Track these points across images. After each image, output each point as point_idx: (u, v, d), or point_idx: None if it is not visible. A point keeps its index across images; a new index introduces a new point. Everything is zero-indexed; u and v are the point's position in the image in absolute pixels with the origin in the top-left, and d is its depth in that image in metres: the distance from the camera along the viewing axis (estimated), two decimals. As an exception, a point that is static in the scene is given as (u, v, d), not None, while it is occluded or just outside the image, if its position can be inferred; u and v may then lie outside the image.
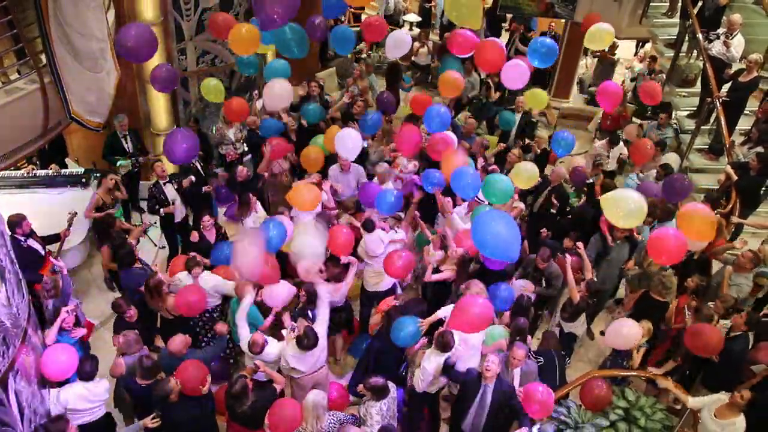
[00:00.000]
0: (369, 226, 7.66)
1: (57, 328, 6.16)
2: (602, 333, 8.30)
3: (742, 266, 7.50)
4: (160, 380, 5.64)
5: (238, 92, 10.81)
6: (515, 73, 7.70)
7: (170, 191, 8.54)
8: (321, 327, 6.41)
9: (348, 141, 7.90)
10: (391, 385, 5.99)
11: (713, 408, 5.99)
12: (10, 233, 6.80)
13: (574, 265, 7.52)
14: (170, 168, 9.12)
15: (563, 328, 7.16)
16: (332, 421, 5.75)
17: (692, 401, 6.20)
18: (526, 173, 7.70)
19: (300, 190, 7.40)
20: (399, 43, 8.15)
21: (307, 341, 6.06)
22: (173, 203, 8.51)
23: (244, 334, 6.39)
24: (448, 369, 6.11)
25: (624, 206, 5.91)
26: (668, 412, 6.39)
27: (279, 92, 7.92)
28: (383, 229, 7.82)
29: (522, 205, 8.70)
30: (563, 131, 8.54)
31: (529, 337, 6.69)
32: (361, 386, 5.91)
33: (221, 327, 6.63)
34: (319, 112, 9.38)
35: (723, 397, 6.00)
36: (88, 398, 5.74)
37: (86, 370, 5.72)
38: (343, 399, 6.84)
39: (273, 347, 6.39)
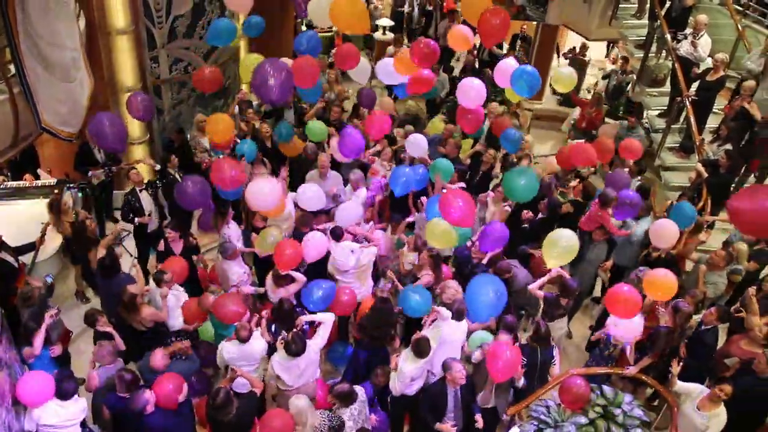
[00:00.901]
0: (337, 233, 7.56)
1: (42, 337, 6.09)
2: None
3: (716, 264, 7.64)
4: (135, 392, 5.58)
5: (212, 98, 10.77)
6: (472, 92, 7.56)
7: (146, 199, 8.46)
8: (315, 343, 6.39)
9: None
10: (359, 389, 6.03)
11: (696, 401, 6.15)
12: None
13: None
14: (146, 175, 9.06)
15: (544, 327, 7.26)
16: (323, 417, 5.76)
17: (679, 385, 6.35)
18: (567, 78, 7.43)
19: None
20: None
21: (294, 347, 6.03)
22: (149, 214, 8.44)
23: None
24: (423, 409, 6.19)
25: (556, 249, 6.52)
26: (645, 408, 6.47)
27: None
28: (356, 240, 7.82)
29: (508, 207, 8.74)
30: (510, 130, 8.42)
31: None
32: (329, 396, 5.93)
33: (184, 344, 6.54)
34: (290, 129, 9.32)
35: (705, 388, 6.19)
36: (63, 416, 5.63)
37: (64, 389, 5.61)
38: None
39: (259, 341, 6.42)
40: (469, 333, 6.94)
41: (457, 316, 6.60)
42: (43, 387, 5.48)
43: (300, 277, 7.01)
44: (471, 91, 7.46)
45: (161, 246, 7.83)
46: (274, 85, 6.22)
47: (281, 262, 6.83)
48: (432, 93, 12.35)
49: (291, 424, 5.45)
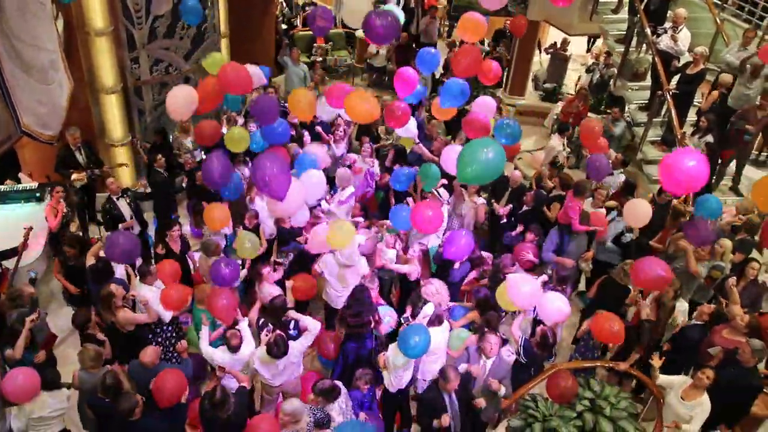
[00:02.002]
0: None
1: (23, 341, 6.05)
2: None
3: (701, 257, 7.71)
4: (126, 395, 5.55)
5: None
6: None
7: (124, 206, 8.41)
8: (297, 346, 6.39)
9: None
10: (339, 383, 6.05)
11: (680, 391, 6.22)
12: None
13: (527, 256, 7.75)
14: (127, 180, 9.01)
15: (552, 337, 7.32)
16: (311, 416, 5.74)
17: (661, 378, 6.44)
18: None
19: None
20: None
21: (276, 350, 6.02)
22: (131, 218, 8.39)
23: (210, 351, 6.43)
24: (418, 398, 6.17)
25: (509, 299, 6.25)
26: (632, 400, 6.53)
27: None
28: None
29: (483, 201, 8.78)
30: (505, 119, 8.18)
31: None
32: (311, 395, 5.92)
33: (181, 346, 6.53)
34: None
35: (688, 379, 6.24)
36: (52, 406, 5.69)
37: (49, 378, 5.72)
38: None
39: (248, 346, 6.42)
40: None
41: (436, 321, 6.62)
42: (30, 381, 5.50)
43: (313, 326, 6.73)
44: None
45: (161, 249, 7.77)
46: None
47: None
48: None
49: (277, 429, 5.44)
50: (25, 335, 6.06)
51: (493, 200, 9.02)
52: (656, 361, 6.52)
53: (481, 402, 6.15)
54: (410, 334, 5.85)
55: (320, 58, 15.07)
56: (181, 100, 6.53)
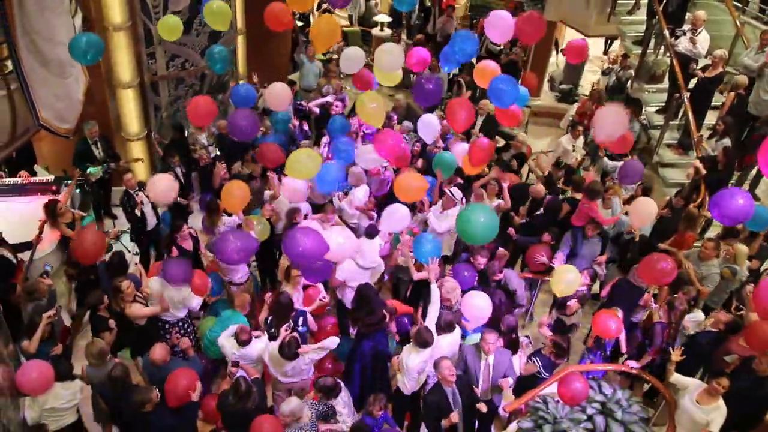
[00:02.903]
0: (372, 231, 7.55)
1: (39, 336, 6.09)
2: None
3: (707, 256, 7.65)
4: (143, 388, 5.59)
5: (210, 94, 10.74)
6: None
7: (141, 198, 8.45)
8: (309, 356, 6.39)
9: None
10: (340, 381, 6.08)
11: (695, 395, 6.14)
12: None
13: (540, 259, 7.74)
14: (142, 175, 9.07)
15: (562, 321, 7.36)
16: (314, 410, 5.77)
17: (675, 377, 6.35)
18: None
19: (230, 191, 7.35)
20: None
21: (287, 350, 6.04)
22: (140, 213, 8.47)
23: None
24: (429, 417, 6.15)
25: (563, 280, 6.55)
26: (644, 404, 6.48)
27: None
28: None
29: (502, 203, 8.72)
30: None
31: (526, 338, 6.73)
32: (312, 393, 5.95)
33: (185, 344, 6.52)
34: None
35: (703, 384, 6.19)
36: (65, 398, 5.73)
37: (62, 370, 5.75)
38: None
39: (259, 343, 6.46)
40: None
41: (448, 327, 6.55)
42: (44, 373, 5.55)
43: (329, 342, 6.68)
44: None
45: (174, 252, 7.73)
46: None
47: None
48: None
49: (280, 428, 5.47)
50: (42, 330, 6.11)
51: (512, 213, 8.94)
52: (676, 356, 6.42)
53: (483, 406, 6.11)
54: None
55: (336, 56, 15.06)
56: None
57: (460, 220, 6.00)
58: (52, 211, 7.67)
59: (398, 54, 7.27)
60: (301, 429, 5.54)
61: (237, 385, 5.71)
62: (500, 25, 6.89)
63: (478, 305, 6.52)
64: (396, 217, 7.31)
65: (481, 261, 7.42)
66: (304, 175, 7.03)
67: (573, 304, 7.15)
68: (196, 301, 6.95)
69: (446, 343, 6.54)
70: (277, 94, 8.12)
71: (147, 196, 8.23)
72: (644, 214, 7.47)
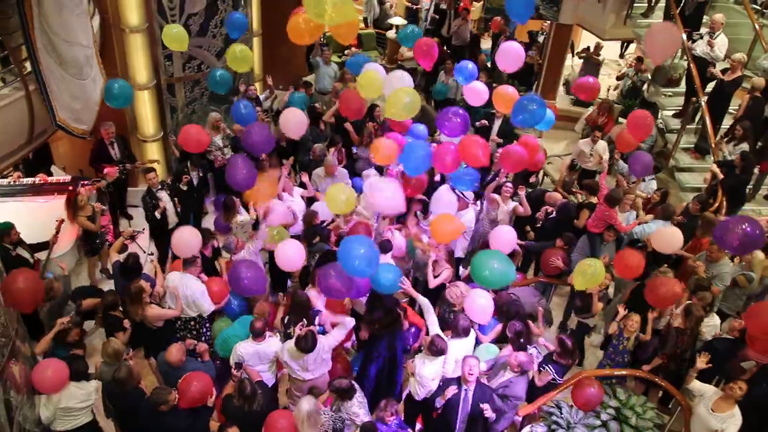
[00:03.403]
0: (386, 247, 7.49)
1: (49, 339, 6.14)
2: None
3: (715, 258, 7.58)
4: (161, 389, 5.62)
5: (226, 96, 10.80)
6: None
7: (165, 198, 8.54)
8: (327, 341, 6.39)
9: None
10: (355, 384, 6.05)
11: (710, 403, 6.06)
12: (-1, 242, 6.79)
13: (556, 262, 7.67)
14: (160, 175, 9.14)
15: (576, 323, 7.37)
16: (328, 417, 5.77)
17: (694, 383, 6.27)
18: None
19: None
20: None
21: (304, 344, 6.05)
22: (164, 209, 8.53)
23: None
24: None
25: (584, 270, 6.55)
26: (658, 411, 6.43)
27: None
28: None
29: (519, 207, 8.67)
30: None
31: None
32: (326, 394, 5.95)
33: (201, 348, 6.53)
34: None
35: (720, 391, 6.09)
36: (80, 397, 5.77)
37: (78, 370, 5.79)
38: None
39: (275, 341, 6.49)
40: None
41: (464, 332, 6.49)
42: (59, 372, 5.58)
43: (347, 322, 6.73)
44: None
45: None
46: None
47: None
48: (443, 93, 12.38)
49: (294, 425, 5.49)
50: (53, 335, 6.16)
51: (527, 226, 8.92)
52: (701, 362, 6.31)
53: (487, 407, 6.05)
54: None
55: (351, 58, 15.10)
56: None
57: (473, 266, 6.27)
58: (73, 204, 7.74)
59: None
60: None
61: (242, 386, 5.72)
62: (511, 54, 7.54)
63: (482, 305, 6.46)
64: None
65: None
66: (342, 210, 7.04)
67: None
68: (208, 305, 6.97)
69: (462, 348, 6.52)
70: (290, 123, 7.78)
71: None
72: (665, 244, 7.32)
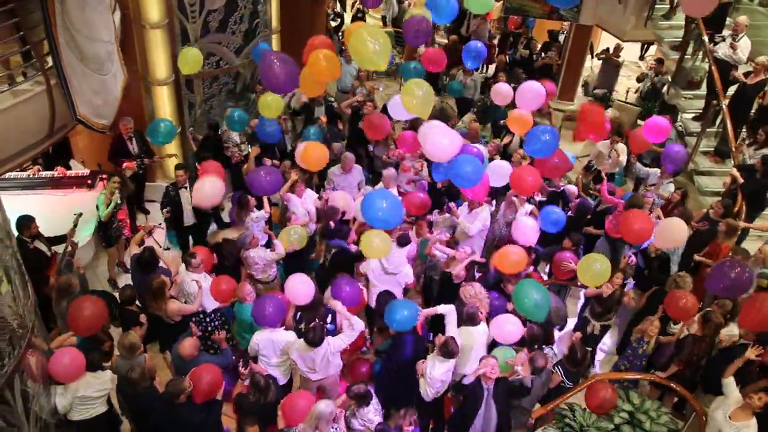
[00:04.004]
0: (404, 240, 7.52)
1: (64, 339, 6.21)
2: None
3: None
4: (174, 379, 5.66)
5: (244, 92, 10.85)
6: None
7: (185, 197, 8.58)
8: (336, 342, 6.40)
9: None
10: (371, 390, 6.07)
11: (729, 410, 5.95)
12: (17, 234, 6.84)
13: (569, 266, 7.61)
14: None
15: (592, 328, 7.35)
16: None
17: (730, 379, 6.10)
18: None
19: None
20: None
21: (312, 336, 6.08)
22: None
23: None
24: (460, 387, 6.07)
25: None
26: (673, 416, 6.37)
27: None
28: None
29: (533, 207, 8.64)
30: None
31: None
32: (343, 398, 5.95)
33: (218, 336, 6.57)
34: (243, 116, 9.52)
35: (739, 398, 5.97)
36: (96, 386, 5.82)
37: (94, 360, 5.84)
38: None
39: (290, 332, 6.59)
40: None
41: (470, 320, 6.52)
42: (76, 362, 5.64)
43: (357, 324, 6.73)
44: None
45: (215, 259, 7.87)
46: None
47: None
48: (458, 91, 12.36)
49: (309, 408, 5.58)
50: (69, 336, 6.22)
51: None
52: (752, 352, 6.21)
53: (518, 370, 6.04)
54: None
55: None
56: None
57: (516, 296, 6.44)
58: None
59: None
60: None
61: (255, 380, 5.77)
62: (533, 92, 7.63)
63: (510, 331, 6.44)
64: (501, 172, 7.69)
65: (512, 288, 7.29)
66: (380, 255, 6.96)
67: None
68: (209, 301, 7.03)
69: (472, 336, 6.55)
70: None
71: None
72: (669, 238, 7.30)
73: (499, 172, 7.87)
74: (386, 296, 7.03)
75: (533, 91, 7.65)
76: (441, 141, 6.46)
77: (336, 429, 5.64)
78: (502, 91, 8.68)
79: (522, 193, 7.77)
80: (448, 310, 6.53)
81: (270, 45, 11.21)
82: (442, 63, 8.67)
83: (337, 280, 7.16)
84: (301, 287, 6.64)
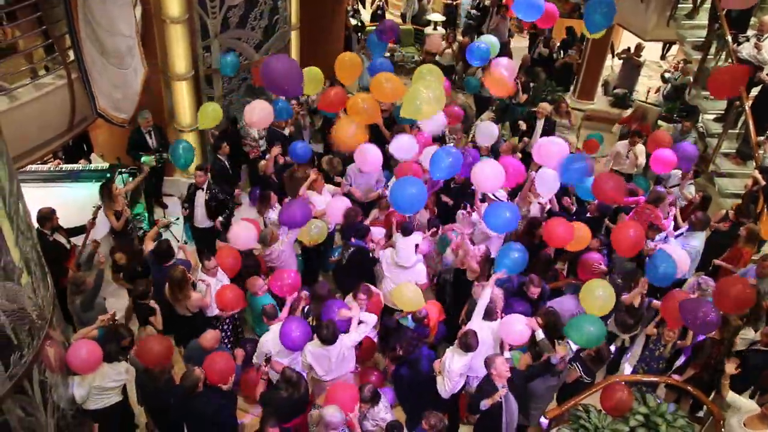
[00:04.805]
0: (407, 229, 7.49)
1: (85, 332, 6.24)
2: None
3: (765, 273, 7.38)
4: (186, 373, 5.71)
5: (263, 88, 10.87)
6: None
7: (200, 197, 8.54)
8: (350, 338, 6.41)
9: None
10: (378, 390, 6.08)
11: (743, 417, 5.88)
12: (38, 227, 6.92)
13: (600, 268, 7.51)
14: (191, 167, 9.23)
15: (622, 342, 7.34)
16: None
17: (730, 396, 6.07)
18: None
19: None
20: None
21: (325, 332, 6.08)
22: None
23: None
24: (474, 408, 6.07)
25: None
26: (689, 420, 6.31)
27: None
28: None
29: (546, 201, 8.58)
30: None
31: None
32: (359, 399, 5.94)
33: (239, 352, 6.59)
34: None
35: (755, 406, 5.90)
36: (112, 377, 5.88)
37: (111, 351, 5.90)
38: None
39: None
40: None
41: (487, 316, 6.50)
42: (93, 353, 5.69)
43: (369, 319, 6.76)
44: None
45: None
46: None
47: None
48: (476, 87, 12.30)
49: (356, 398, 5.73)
50: (90, 330, 6.25)
51: None
52: (730, 368, 6.18)
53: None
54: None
55: (388, 54, 15.15)
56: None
57: (570, 327, 6.22)
58: (108, 193, 7.87)
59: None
60: None
61: (287, 375, 5.82)
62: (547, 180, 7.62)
63: (518, 330, 6.40)
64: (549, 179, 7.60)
65: (535, 291, 7.22)
66: (413, 308, 6.91)
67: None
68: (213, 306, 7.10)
69: (486, 329, 6.54)
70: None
71: None
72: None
73: (545, 179, 7.79)
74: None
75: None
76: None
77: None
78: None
79: (607, 201, 7.64)
80: (486, 297, 6.55)
81: (289, 40, 11.25)
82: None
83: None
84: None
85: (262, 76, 6.64)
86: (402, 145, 7.77)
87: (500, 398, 5.77)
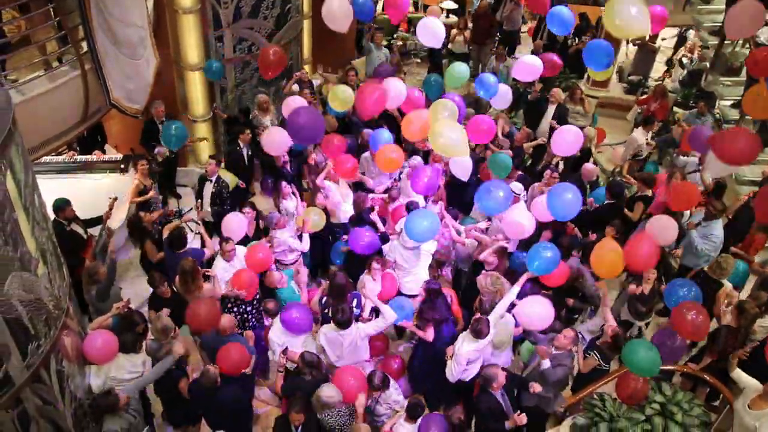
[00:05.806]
0: (412, 207, 7.53)
1: (102, 321, 6.28)
2: None
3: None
4: (204, 371, 5.74)
5: (274, 78, 10.84)
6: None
7: (207, 190, 8.59)
8: (365, 328, 6.42)
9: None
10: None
11: (747, 399, 5.85)
12: (54, 217, 6.96)
13: None
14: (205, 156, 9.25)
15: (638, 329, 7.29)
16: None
17: (737, 373, 6.05)
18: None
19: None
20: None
21: (341, 316, 6.12)
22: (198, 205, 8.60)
23: None
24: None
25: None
26: (705, 408, 6.26)
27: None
28: None
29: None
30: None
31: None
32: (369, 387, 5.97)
33: (248, 334, 6.66)
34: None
35: (760, 386, 5.84)
36: (128, 368, 5.90)
37: (128, 342, 5.93)
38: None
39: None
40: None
41: (475, 334, 6.24)
42: (109, 344, 5.73)
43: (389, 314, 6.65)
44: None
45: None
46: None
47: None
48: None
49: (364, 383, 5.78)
50: (106, 319, 6.28)
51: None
52: (741, 353, 6.19)
53: (536, 387, 6.01)
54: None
55: (400, 42, 15.08)
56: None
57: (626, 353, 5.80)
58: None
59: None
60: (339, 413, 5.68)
61: (306, 358, 5.86)
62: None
63: (537, 313, 6.25)
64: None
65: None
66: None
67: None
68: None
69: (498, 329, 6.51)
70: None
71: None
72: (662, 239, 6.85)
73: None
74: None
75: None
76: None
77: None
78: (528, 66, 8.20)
79: (680, 209, 7.60)
80: (513, 295, 6.52)
81: (301, 29, 11.20)
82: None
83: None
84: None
85: (288, 125, 6.67)
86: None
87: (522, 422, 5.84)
